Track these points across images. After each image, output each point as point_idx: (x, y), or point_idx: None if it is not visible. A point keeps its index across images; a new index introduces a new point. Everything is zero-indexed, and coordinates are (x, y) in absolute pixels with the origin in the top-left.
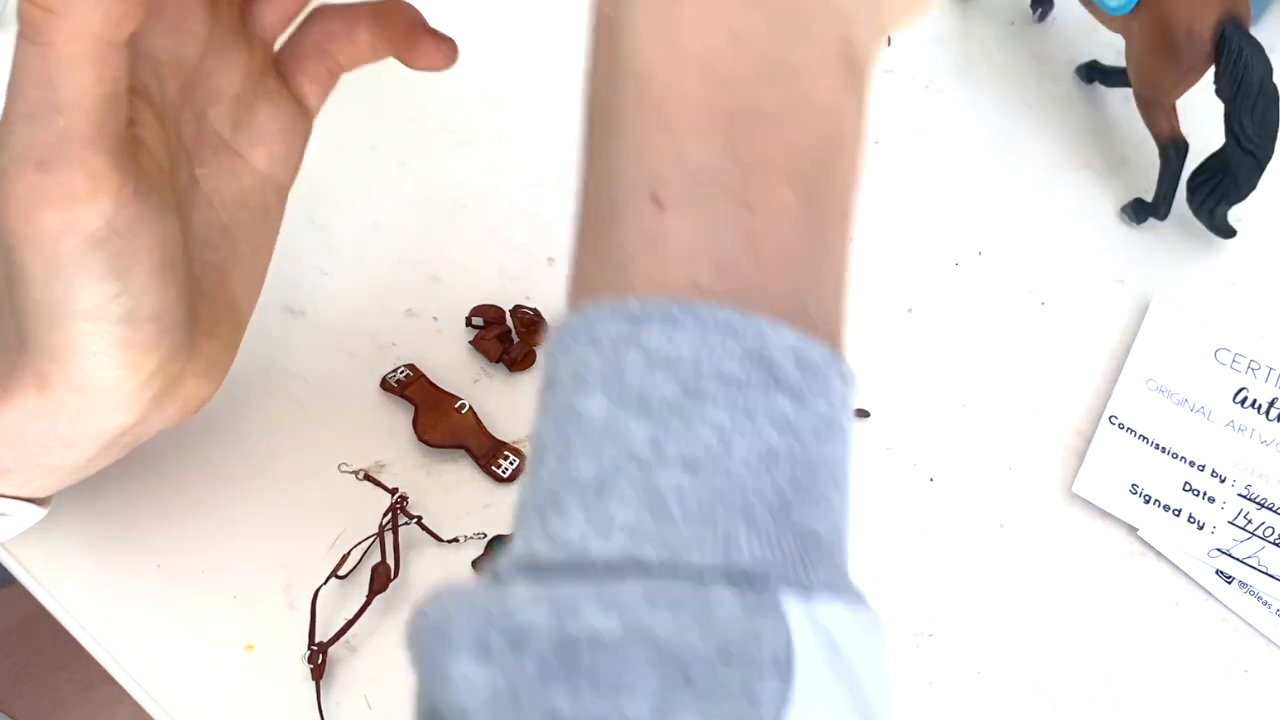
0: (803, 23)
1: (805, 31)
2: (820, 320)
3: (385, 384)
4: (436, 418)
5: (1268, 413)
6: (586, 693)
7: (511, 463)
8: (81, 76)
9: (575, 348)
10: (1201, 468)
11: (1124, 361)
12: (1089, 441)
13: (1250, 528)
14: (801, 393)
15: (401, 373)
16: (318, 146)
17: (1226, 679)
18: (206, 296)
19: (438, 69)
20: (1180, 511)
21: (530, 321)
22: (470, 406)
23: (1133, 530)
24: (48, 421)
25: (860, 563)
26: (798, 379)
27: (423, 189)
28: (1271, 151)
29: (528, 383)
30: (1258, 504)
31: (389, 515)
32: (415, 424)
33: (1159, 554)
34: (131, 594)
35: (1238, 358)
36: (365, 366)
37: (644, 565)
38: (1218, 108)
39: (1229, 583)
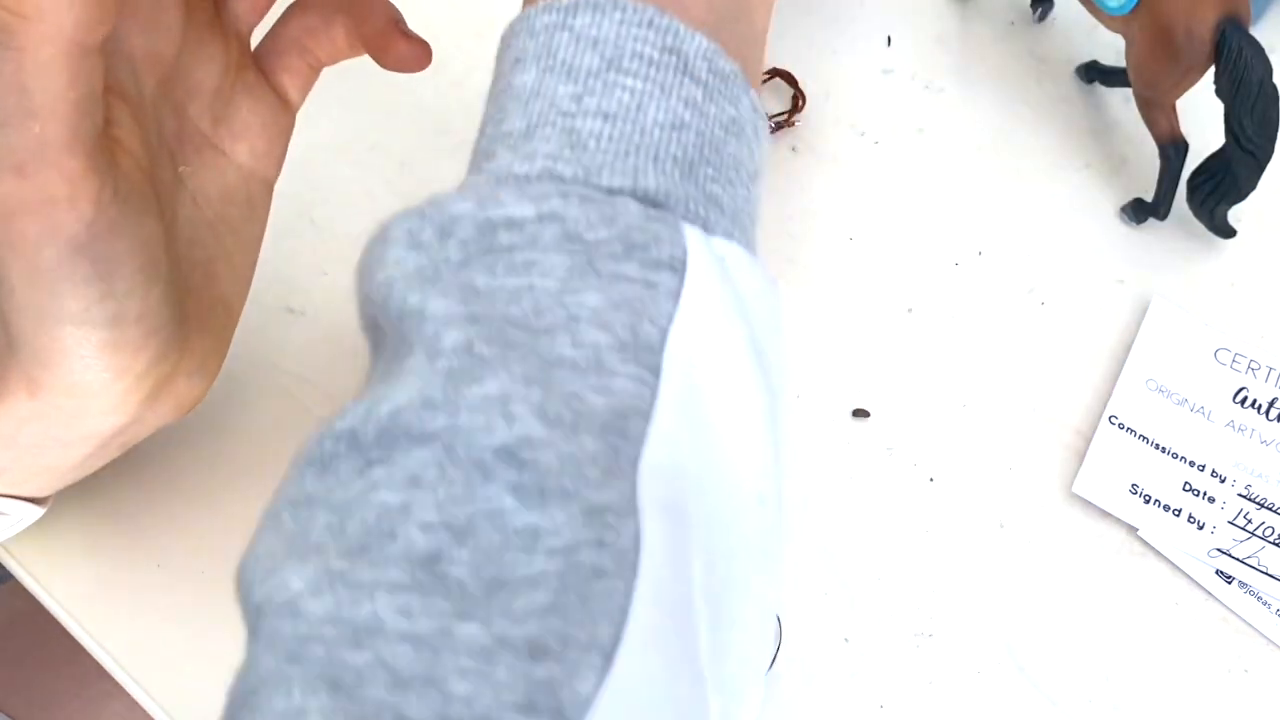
0: None
1: None
2: (733, 54)
3: None
4: None
5: (1268, 413)
6: (501, 269)
7: None
8: (55, 81)
9: (515, 41)
10: (1201, 468)
11: (1124, 361)
12: (1089, 441)
13: (1250, 528)
14: (711, 89)
15: None
16: (317, 146)
17: (1226, 679)
18: (195, 294)
19: (409, 70)
20: (1180, 511)
21: None
22: None
23: (1133, 530)
24: (41, 423)
25: (860, 563)
26: (708, 77)
27: (423, 189)
28: (1271, 151)
29: None
30: (1258, 504)
31: None
32: None
33: (1159, 554)
34: (131, 593)
35: (1238, 358)
36: (364, 366)
37: (560, 178)
38: (1218, 108)
39: (1229, 583)
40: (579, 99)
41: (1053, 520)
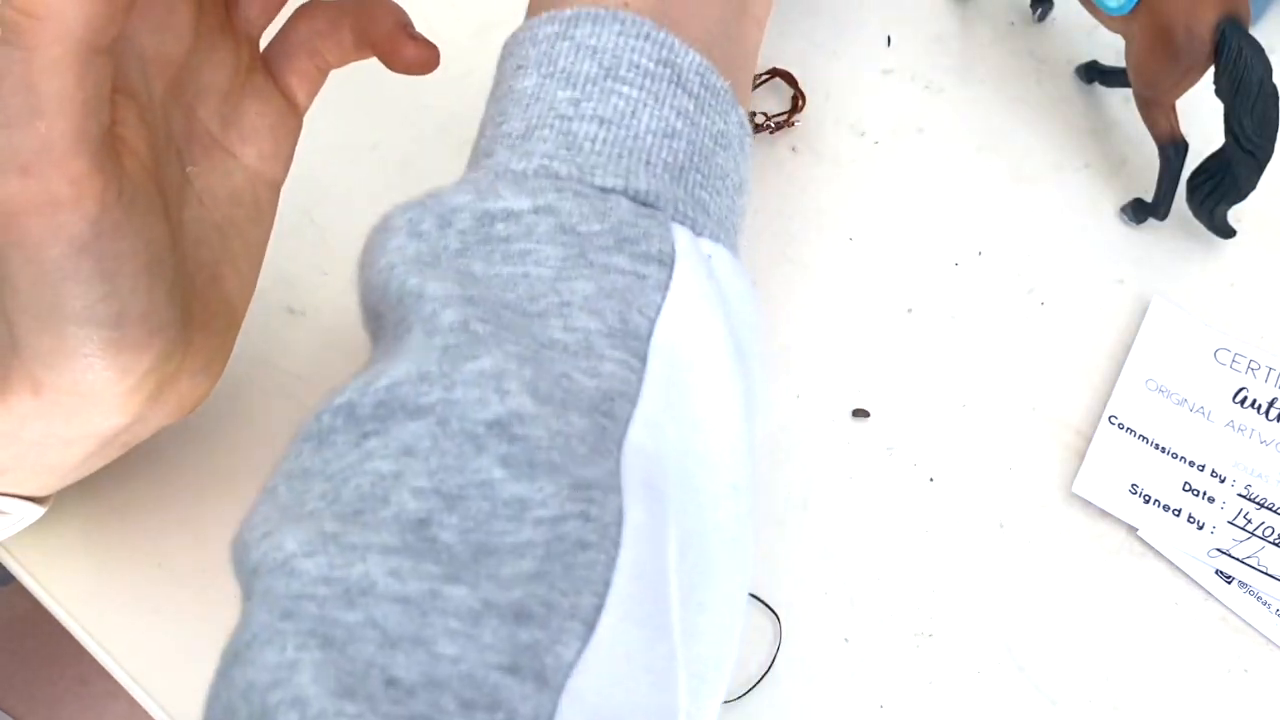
0: None
1: None
2: (724, 72)
3: None
4: None
5: (1267, 413)
6: (498, 257)
7: None
8: (63, 81)
9: (519, 49)
10: (1201, 468)
11: (1124, 361)
12: (1089, 441)
13: (1250, 528)
14: (703, 102)
15: None
16: (318, 146)
17: (1226, 679)
18: (200, 295)
19: (418, 73)
20: (1180, 511)
21: None
22: None
23: (1132, 530)
24: (44, 422)
25: (860, 563)
26: (700, 91)
27: (423, 189)
28: (1271, 151)
29: None
30: (1257, 504)
31: None
32: None
33: (1159, 554)
34: (131, 594)
35: (1237, 358)
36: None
37: (556, 175)
38: (1218, 108)
39: (1229, 582)
40: (577, 103)
41: (1053, 520)
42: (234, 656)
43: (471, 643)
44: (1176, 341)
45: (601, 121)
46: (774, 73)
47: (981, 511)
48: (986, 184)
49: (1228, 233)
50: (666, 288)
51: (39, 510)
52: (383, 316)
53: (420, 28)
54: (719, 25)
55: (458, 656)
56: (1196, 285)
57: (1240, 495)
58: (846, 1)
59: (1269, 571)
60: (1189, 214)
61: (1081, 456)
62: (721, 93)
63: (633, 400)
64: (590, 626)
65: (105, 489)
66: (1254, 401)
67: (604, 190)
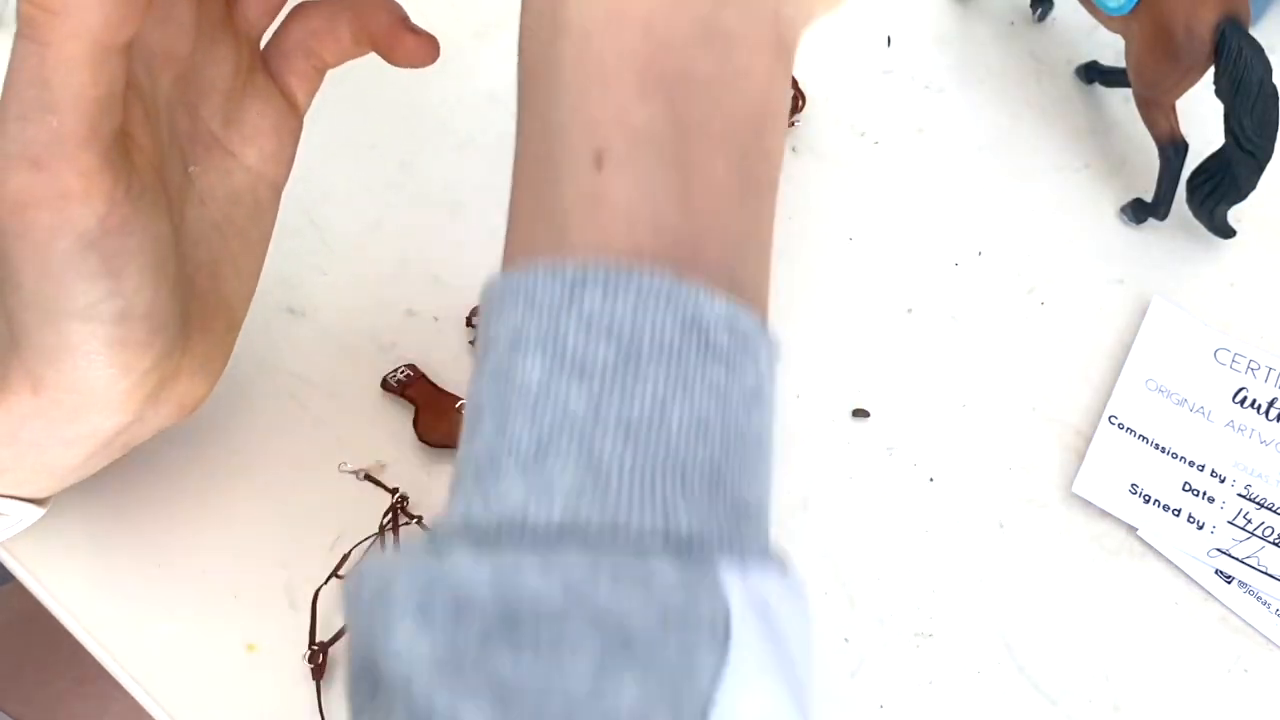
0: None
1: (742, 1)
2: (749, 287)
3: (386, 384)
4: (437, 418)
5: (1267, 413)
6: (528, 658)
7: None
8: (78, 78)
9: (513, 309)
10: (1201, 468)
11: (1124, 361)
12: (1089, 441)
13: (1250, 528)
14: (733, 361)
15: (402, 373)
16: (318, 146)
17: (1226, 679)
18: (199, 295)
19: (418, 65)
20: (1180, 511)
21: None
22: None
23: (1132, 530)
24: (43, 421)
25: (860, 563)
26: (729, 347)
27: (423, 189)
28: (1271, 151)
29: None
30: (1257, 504)
31: (390, 515)
32: (416, 424)
33: (1159, 554)
34: (131, 594)
35: (1237, 358)
36: (365, 366)
37: (584, 529)
38: (1218, 108)
39: (1228, 582)
40: (596, 407)
41: (1053, 520)
42: None
43: None
44: (1176, 341)
45: (628, 432)
46: None
47: (981, 511)
48: (986, 184)
49: (1228, 233)
50: (722, 669)
51: (38, 512)
52: (393, 712)
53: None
54: (740, 223)
55: None
56: (1196, 285)
57: (1240, 495)
58: (846, 2)
59: (1269, 571)
60: (1189, 214)
61: (1081, 456)
62: (751, 335)
63: None
64: None
65: (105, 489)
66: (1254, 401)
67: (641, 540)
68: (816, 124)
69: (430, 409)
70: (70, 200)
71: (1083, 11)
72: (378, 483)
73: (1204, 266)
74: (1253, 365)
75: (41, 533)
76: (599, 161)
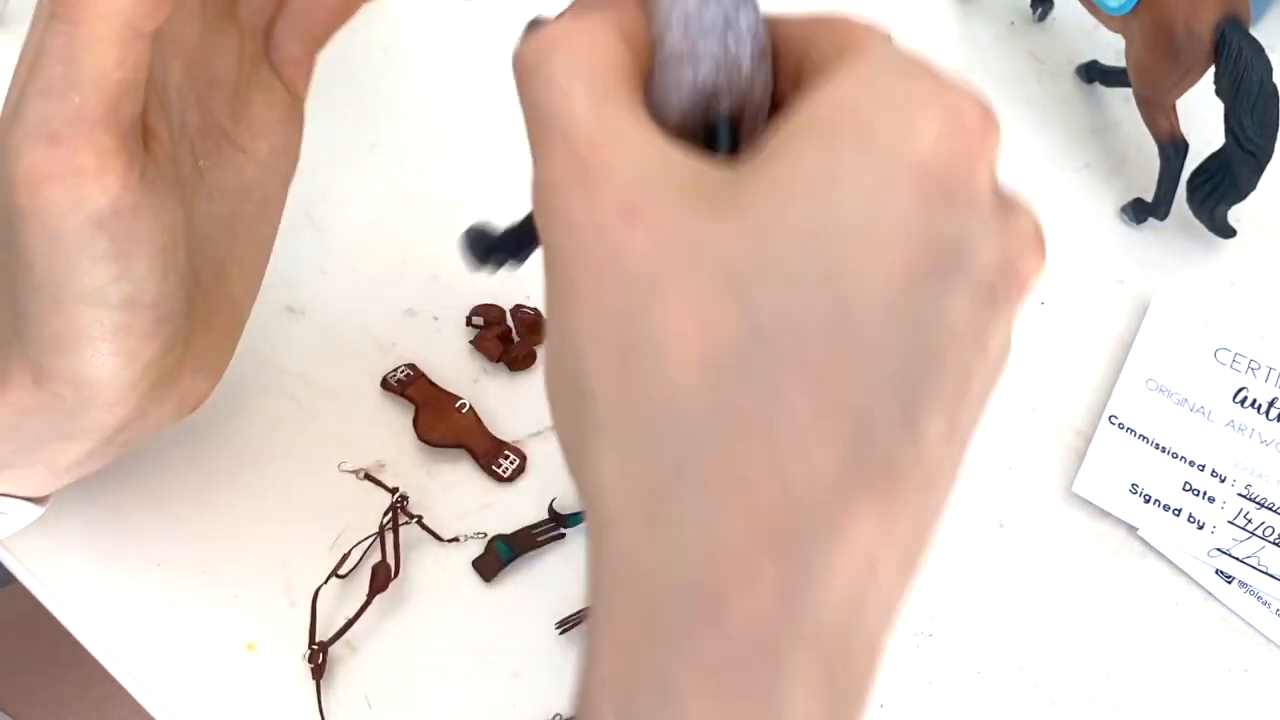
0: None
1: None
2: None
3: (385, 384)
4: (437, 417)
5: (1268, 412)
6: None
7: (512, 462)
8: (104, 59)
9: None
10: (1201, 467)
11: (1124, 361)
12: (1089, 441)
13: (1250, 527)
14: None
15: (402, 373)
16: (318, 146)
17: (1226, 679)
18: (205, 290)
19: None
20: (1180, 511)
21: (531, 321)
22: (470, 406)
23: (1133, 530)
24: (44, 415)
25: None
26: None
27: (423, 189)
28: (1271, 151)
29: (528, 383)
30: (1258, 504)
31: (389, 515)
32: (415, 424)
33: (1159, 554)
34: (131, 594)
35: (1238, 357)
36: (365, 366)
37: None
38: (1218, 108)
39: (1229, 582)
40: None
41: (1053, 520)
42: None
43: None
44: (1177, 341)
45: None
46: None
47: (981, 511)
48: None
49: (1228, 232)
50: None
51: (37, 511)
52: None
53: (421, 29)
54: None
55: None
56: (1197, 285)
57: (1240, 495)
58: (846, 2)
59: (1269, 571)
60: (1189, 214)
61: (1081, 456)
62: None
63: None
64: None
65: (105, 488)
66: (1254, 401)
67: None
68: None
69: (430, 409)
70: (84, 177)
71: (1083, 11)
72: (377, 482)
73: (1204, 266)
74: (1253, 365)
75: (42, 534)
76: None
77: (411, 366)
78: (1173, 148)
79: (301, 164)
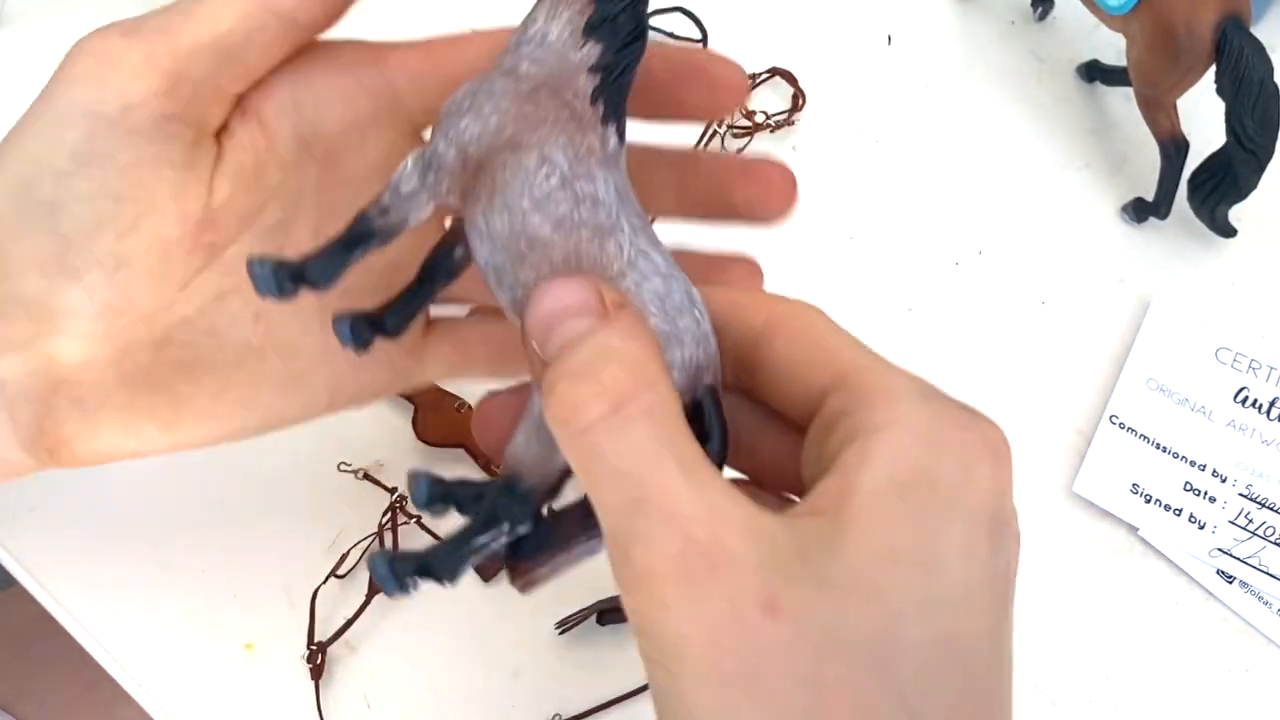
0: None
1: None
2: None
3: None
4: (436, 417)
5: (1268, 412)
6: None
7: None
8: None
9: None
10: (1202, 467)
11: (1124, 361)
12: (1089, 441)
13: (1251, 527)
14: None
15: None
16: None
17: (1226, 679)
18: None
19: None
20: (1181, 511)
21: None
22: (470, 406)
23: (1133, 530)
24: None
25: None
26: None
27: None
28: (1272, 151)
29: None
30: (1258, 504)
31: (389, 515)
32: (415, 424)
33: (1160, 554)
34: (132, 594)
35: (1238, 357)
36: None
37: None
38: (1218, 107)
39: (1229, 582)
40: None
41: (1053, 520)
42: None
43: None
44: (1177, 341)
45: None
46: (774, 72)
47: None
48: (987, 183)
49: (1229, 232)
50: None
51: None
52: None
53: (421, 28)
54: None
55: None
56: (1197, 285)
57: (1241, 495)
58: (846, 1)
59: (1270, 571)
60: (1190, 213)
61: (1082, 456)
62: None
63: None
64: None
65: (106, 490)
66: (1255, 401)
67: None
68: (816, 124)
69: (429, 408)
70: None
71: (1084, 10)
72: (377, 482)
73: (1205, 266)
74: (1254, 364)
75: (42, 535)
76: None
77: None
78: (1173, 147)
79: None
